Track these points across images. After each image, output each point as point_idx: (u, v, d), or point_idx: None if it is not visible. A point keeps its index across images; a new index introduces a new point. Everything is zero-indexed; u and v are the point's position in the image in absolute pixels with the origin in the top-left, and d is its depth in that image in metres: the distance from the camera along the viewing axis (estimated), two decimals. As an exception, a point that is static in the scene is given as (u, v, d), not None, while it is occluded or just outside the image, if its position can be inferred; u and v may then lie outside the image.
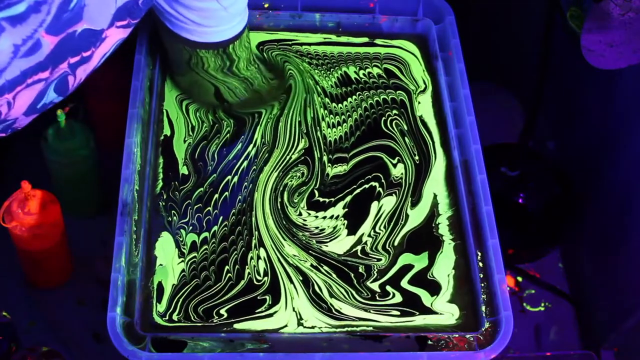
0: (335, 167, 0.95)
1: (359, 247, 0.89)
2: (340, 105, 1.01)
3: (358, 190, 0.94)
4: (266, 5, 1.05)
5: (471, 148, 0.93)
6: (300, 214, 0.91)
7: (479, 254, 0.87)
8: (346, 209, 0.92)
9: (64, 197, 1.10)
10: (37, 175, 1.09)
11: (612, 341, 1.11)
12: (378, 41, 1.06)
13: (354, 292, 0.86)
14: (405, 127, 0.99)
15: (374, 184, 0.94)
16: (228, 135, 0.96)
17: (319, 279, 0.87)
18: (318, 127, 0.98)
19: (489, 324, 0.83)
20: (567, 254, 1.24)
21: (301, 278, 0.87)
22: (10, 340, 1.00)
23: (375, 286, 0.87)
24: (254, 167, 0.94)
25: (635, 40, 0.91)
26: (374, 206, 0.92)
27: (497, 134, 1.28)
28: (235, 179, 0.93)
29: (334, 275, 0.87)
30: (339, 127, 0.99)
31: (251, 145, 0.96)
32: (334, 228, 0.91)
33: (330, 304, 0.85)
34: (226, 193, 0.91)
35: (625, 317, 1.07)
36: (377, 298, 0.86)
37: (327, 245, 0.89)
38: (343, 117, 1.00)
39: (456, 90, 0.98)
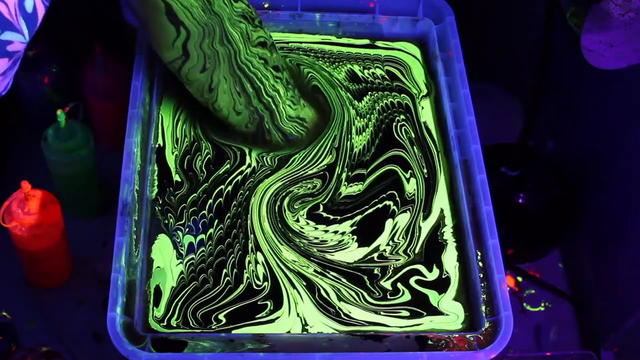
0: (351, 186, 0.95)
1: (375, 254, 0.89)
2: (360, 104, 1.01)
3: (370, 210, 0.93)
4: (266, 5, 1.05)
5: (471, 148, 0.93)
6: (297, 220, 0.91)
7: (479, 254, 0.87)
8: (355, 227, 0.91)
9: (64, 197, 1.10)
10: (37, 175, 1.09)
11: (612, 341, 1.11)
12: (379, 43, 1.06)
13: (365, 294, 0.86)
14: (413, 135, 0.98)
15: (388, 202, 0.93)
16: (209, 156, 0.95)
17: (326, 284, 0.86)
18: (349, 135, 0.98)
19: (489, 324, 0.83)
20: (567, 254, 1.24)
21: (305, 283, 0.86)
22: (10, 340, 1.00)
23: (388, 284, 0.87)
24: (251, 179, 0.93)
25: (635, 40, 0.91)
26: (389, 223, 0.92)
27: (497, 134, 1.27)
28: (230, 187, 0.92)
29: (343, 280, 0.87)
30: (364, 134, 0.98)
31: (244, 166, 0.95)
32: (339, 242, 0.90)
33: (339, 308, 0.85)
34: (220, 199, 0.91)
35: (625, 317, 1.07)
36: (388, 297, 0.86)
37: (332, 255, 0.89)
38: (365, 120, 1.00)
39: (456, 90, 0.98)
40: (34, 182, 1.01)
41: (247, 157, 0.95)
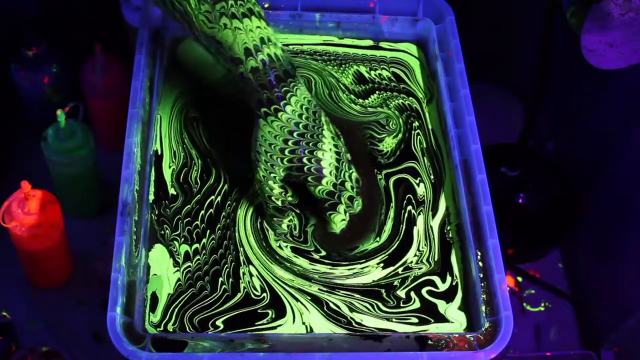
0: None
1: (401, 269, 0.88)
2: (366, 101, 1.00)
3: (394, 246, 0.90)
4: (266, 5, 1.05)
5: (471, 148, 0.93)
6: (280, 247, 0.88)
7: (479, 254, 0.87)
8: (380, 263, 0.89)
9: (64, 197, 1.10)
10: (37, 175, 1.10)
11: (612, 341, 1.11)
12: (383, 44, 1.06)
13: (380, 304, 0.85)
14: (425, 145, 0.98)
15: (409, 207, 0.92)
16: (202, 165, 0.93)
17: (335, 299, 0.85)
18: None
19: (489, 324, 0.83)
20: (567, 254, 1.24)
21: (309, 298, 0.85)
22: (10, 340, 1.00)
23: (402, 293, 0.86)
24: (236, 188, 0.92)
25: (635, 40, 0.91)
26: (415, 232, 0.90)
27: (497, 134, 1.28)
28: (219, 198, 0.91)
29: (357, 295, 0.85)
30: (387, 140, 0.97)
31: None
32: (354, 273, 0.87)
33: (351, 317, 0.84)
34: (211, 210, 0.90)
35: (625, 317, 1.07)
36: (401, 305, 0.85)
37: (341, 280, 0.86)
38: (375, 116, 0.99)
39: (456, 90, 0.98)
40: (34, 182, 1.01)
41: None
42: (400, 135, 0.98)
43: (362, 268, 0.87)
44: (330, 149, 0.86)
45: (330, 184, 0.86)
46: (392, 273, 0.87)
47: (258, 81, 0.84)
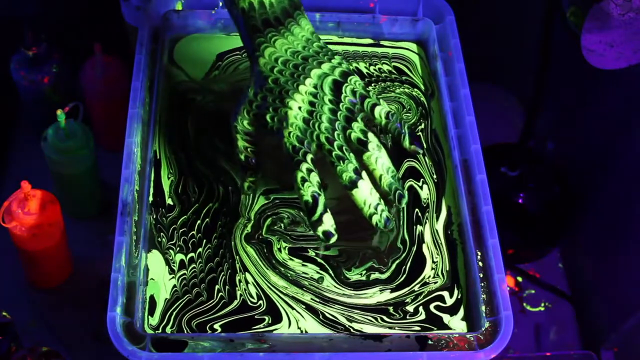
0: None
1: (417, 287, 0.87)
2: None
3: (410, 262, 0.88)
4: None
5: (471, 148, 0.93)
6: (279, 250, 0.88)
7: (479, 253, 0.87)
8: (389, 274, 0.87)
9: (64, 197, 1.10)
10: (37, 175, 1.10)
11: (612, 341, 1.11)
12: (384, 43, 1.06)
13: (385, 317, 0.84)
14: (426, 145, 0.97)
15: (418, 226, 0.90)
16: (201, 170, 0.92)
17: (333, 311, 0.84)
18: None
19: (489, 324, 0.83)
20: (567, 254, 1.25)
21: (304, 306, 0.84)
22: (10, 340, 1.00)
23: (410, 308, 0.85)
24: (235, 193, 0.91)
25: (636, 40, 0.91)
26: (425, 247, 0.89)
27: (497, 134, 1.28)
28: (217, 204, 0.90)
29: (357, 311, 0.84)
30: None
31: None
32: (352, 295, 0.86)
33: (349, 326, 0.83)
34: (207, 219, 0.89)
35: (625, 317, 1.07)
36: (407, 317, 0.84)
37: (343, 297, 0.85)
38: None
39: (456, 90, 0.98)
40: (34, 182, 1.01)
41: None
42: (412, 121, 0.97)
43: (359, 293, 0.86)
44: (300, 107, 0.80)
45: (290, 145, 0.80)
46: (408, 291, 0.86)
47: (244, 29, 0.83)
